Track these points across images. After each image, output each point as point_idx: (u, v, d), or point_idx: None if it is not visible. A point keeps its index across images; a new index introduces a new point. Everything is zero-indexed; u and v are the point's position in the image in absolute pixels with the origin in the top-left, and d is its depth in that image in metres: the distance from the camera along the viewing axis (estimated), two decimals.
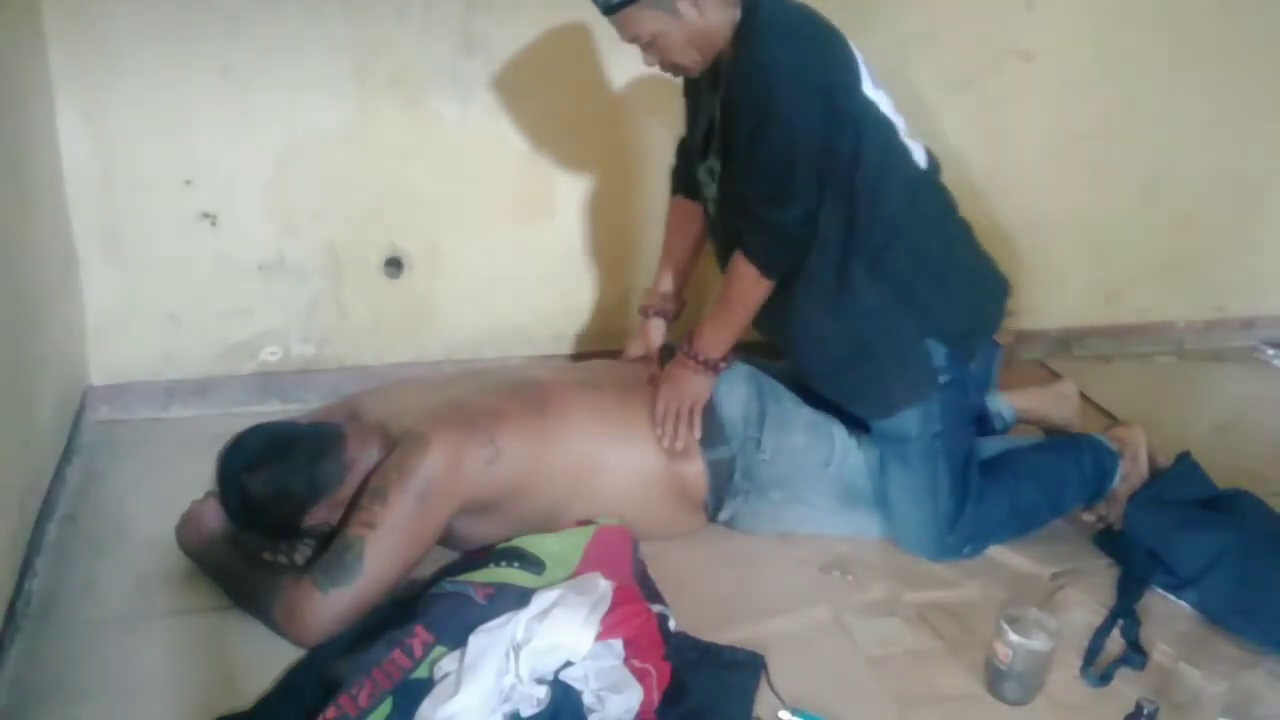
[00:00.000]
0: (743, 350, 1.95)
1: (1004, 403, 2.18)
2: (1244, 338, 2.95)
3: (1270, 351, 2.89)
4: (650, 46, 1.68)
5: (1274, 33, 2.66)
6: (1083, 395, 2.30)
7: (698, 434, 1.84)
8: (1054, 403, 2.22)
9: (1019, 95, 2.56)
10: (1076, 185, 2.70)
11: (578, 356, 2.41)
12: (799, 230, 1.75)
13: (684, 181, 2.03)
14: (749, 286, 1.80)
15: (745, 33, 1.68)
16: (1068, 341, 2.84)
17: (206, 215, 2.21)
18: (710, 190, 1.86)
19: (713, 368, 1.85)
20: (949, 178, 2.53)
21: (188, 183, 2.17)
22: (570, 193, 2.39)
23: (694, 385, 1.85)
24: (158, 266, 2.22)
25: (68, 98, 2.06)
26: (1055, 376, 2.57)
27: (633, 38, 1.68)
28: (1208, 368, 2.82)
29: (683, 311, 2.08)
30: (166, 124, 2.12)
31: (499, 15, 2.20)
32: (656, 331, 2.04)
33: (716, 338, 1.85)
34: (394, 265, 2.35)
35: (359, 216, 2.29)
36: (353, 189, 2.27)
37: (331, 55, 2.16)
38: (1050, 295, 2.78)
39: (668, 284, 2.06)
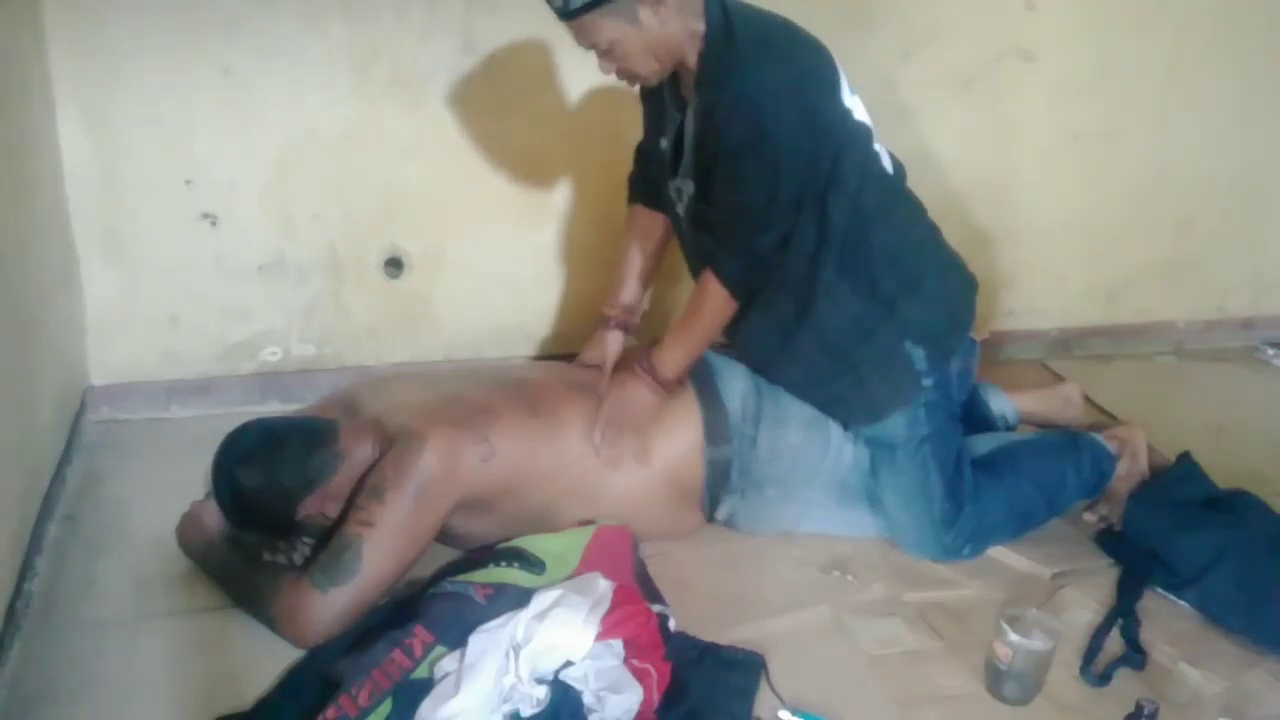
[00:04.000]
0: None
1: (1008, 405, 2.18)
2: (1244, 338, 2.95)
3: (1270, 351, 2.89)
4: (608, 54, 1.64)
5: (1274, 32, 2.66)
6: (1085, 397, 2.30)
7: (635, 450, 1.80)
8: (1058, 405, 2.22)
9: (1019, 95, 2.56)
10: (1077, 185, 2.70)
11: (576, 357, 2.41)
12: (772, 255, 1.75)
13: (643, 189, 2.00)
14: (718, 308, 1.79)
15: (723, 54, 1.64)
16: (1068, 341, 2.84)
17: (206, 215, 2.21)
18: (680, 209, 1.84)
19: (668, 387, 1.83)
20: (951, 177, 2.56)
21: (188, 183, 2.17)
22: (570, 193, 2.39)
23: (644, 403, 1.83)
24: (158, 266, 2.22)
25: (68, 98, 2.06)
26: (1057, 378, 2.58)
27: (590, 45, 1.64)
28: (1208, 368, 2.82)
29: (642, 323, 2.04)
30: (166, 124, 2.12)
31: (499, 15, 2.20)
32: (615, 344, 1.98)
33: (678, 358, 1.83)
34: (394, 265, 2.35)
35: (359, 216, 2.29)
36: (353, 189, 2.27)
37: (332, 56, 2.16)
38: (1050, 295, 2.79)
39: (630, 296, 2.02)
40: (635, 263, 2.03)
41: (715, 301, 1.78)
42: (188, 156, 2.16)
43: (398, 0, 2.15)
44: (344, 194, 2.27)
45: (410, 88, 2.22)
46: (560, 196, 2.39)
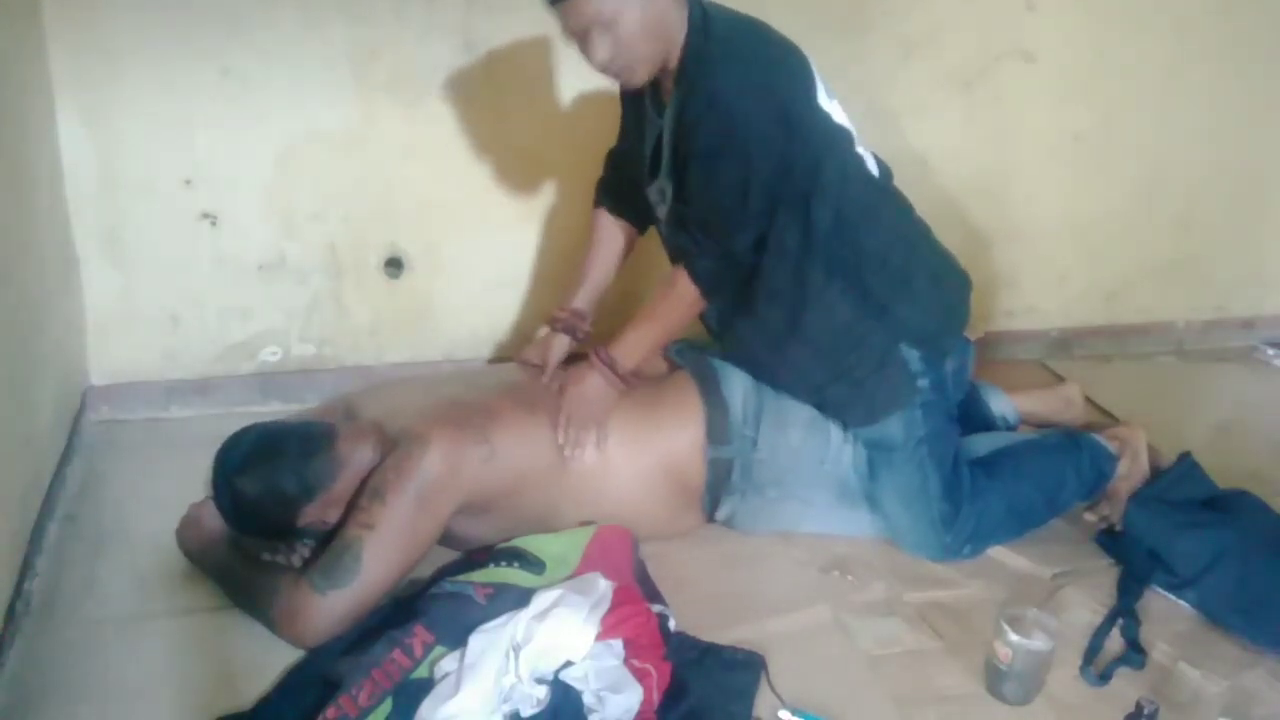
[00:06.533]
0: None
1: (1008, 405, 2.18)
2: (1244, 338, 2.95)
3: (1270, 351, 2.89)
4: (607, 30, 1.57)
5: (1274, 33, 2.66)
6: (1085, 398, 2.30)
7: (595, 448, 1.79)
8: (1058, 406, 2.23)
9: (1019, 95, 2.56)
10: (1076, 185, 2.70)
11: (576, 358, 2.42)
12: (747, 256, 1.75)
13: (610, 195, 2.00)
14: (686, 306, 1.79)
15: (700, 54, 1.63)
16: (1068, 341, 2.84)
17: (206, 215, 2.21)
18: (661, 211, 1.84)
19: (626, 380, 1.82)
20: (951, 177, 2.56)
21: (188, 183, 2.17)
22: (570, 192, 2.39)
23: (601, 397, 1.81)
24: (158, 266, 2.22)
25: (68, 98, 2.06)
26: (1057, 378, 2.58)
27: (591, 19, 1.55)
28: (1208, 368, 2.82)
29: (590, 333, 2.01)
30: (166, 124, 2.12)
31: (499, 15, 2.20)
32: (560, 348, 1.96)
33: (636, 349, 1.83)
34: (394, 265, 2.35)
35: (359, 216, 2.29)
36: (353, 189, 2.27)
37: (332, 55, 2.16)
38: (1050, 295, 2.79)
39: (583, 302, 2.00)
40: (592, 270, 2.02)
41: (684, 298, 1.78)
42: (188, 156, 2.16)
43: (397, 1, 2.15)
44: (344, 194, 2.27)
45: (410, 88, 2.22)
46: (560, 196, 2.39)
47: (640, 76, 1.68)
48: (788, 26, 1.77)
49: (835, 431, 1.90)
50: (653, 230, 1.98)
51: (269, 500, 1.64)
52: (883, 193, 1.85)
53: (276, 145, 2.19)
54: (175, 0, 2.05)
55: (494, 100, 2.27)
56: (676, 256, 1.85)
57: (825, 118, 1.73)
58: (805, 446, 1.89)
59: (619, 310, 2.22)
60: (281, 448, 1.66)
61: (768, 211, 1.71)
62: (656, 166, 1.80)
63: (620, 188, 1.98)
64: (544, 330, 2.04)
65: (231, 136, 2.16)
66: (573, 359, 1.96)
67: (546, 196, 2.38)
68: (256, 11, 2.09)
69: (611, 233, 2.01)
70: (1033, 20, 2.50)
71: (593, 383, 1.82)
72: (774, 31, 1.72)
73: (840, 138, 1.76)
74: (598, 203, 2.03)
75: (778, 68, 1.68)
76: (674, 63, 1.67)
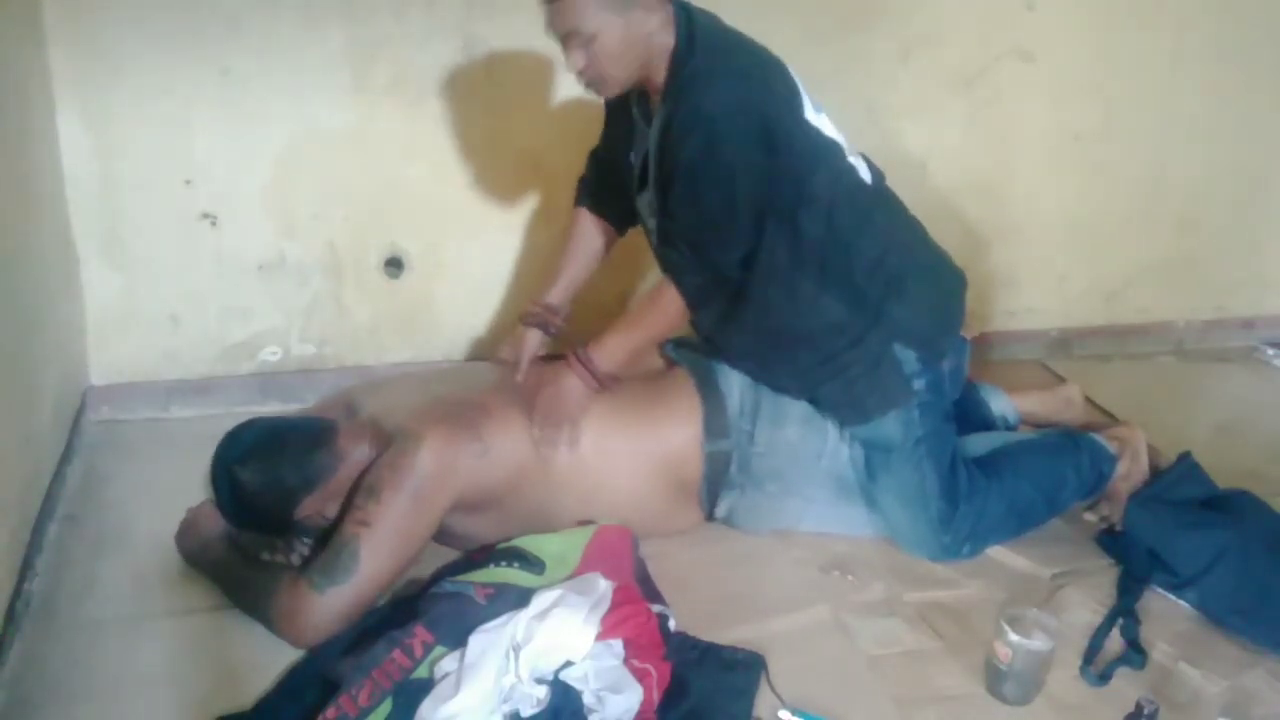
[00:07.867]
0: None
1: (1008, 405, 2.18)
2: (1244, 338, 2.95)
3: (1270, 351, 2.89)
4: (586, 45, 1.60)
5: (1274, 32, 2.66)
6: (1085, 398, 2.30)
7: (568, 444, 1.78)
8: (1059, 407, 2.23)
9: (1019, 95, 2.56)
10: (1077, 185, 2.70)
11: (557, 356, 2.42)
12: (735, 272, 1.75)
13: (590, 194, 2.00)
14: (671, 317, 1.79)
15: (685, 70, 1.63)
16: (1068, 341, 2.84)
17: (206, 215, 2.21)
18: (651, 223, 1.84)
19: (602, 381, 1.82)
20: (951, 177, 2.56)
21: (188, 183, 2.18)
22: (569, 192, 2.38)
23: (576, 398, 1.80)
24: (158, 266, 2.22)
25: (68, 98, 2.07)
26: (1057, 378, 2.58)
27: (572, 29, 1.60)
28: (1208, 368, 2.82)
29: (563, 329, 2.00)
30: (166, 124, 2.12)
31: (499, 16, 2.20)
32: (533, 343, 1.96)
33: (615, 352, 1.82)
34: (394, 265, 2.35)
35: (359, 216, 2.29)
36: (353, 189, 2.27)
37: (332, 56, 2.16)
38: (1050, 295, 2.79)
39: (557, 298, 2.00)
40: (569, 267, 2.02)
41: (671, 309, 1.78)
42: (188, 156, 2.16)
43: (397, 1, 2.15)
44: (344, 194, 2.27)
45: (410, 88, 2.22)
46: (560, 196, 2.37)
47: (611, 90, 1.70)
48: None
49: (832, 428, 1.90)
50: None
51: (268, 492, 1.64)
52: (875, 197, 1.85)
53: (276, 145, 2.20)
54: (176, 1, 2.05)
55: (494, 100, 2.27)
56: (665, 269, 1.85)
57: (813, 132, 1.73)
58: (803, 442, 1.89)
59: (614, 310, 2.23)
60: (283, 441, 1.67)
61: (755, 228, 1.71)
62: (645, 178, 1.80)
63: (601, 188, 1.98)
64: (520, 327, 2.04)
65: (231, 137, 2.16)
66: (553, 356, 1.96)
67: (546, 196, 2.38)
68: (256, 12, 2.09)
69: (590, 231, 2.01)
70: (1033, 20, 2.50)
71: (568, 382, 1.81)
72: (759, 47, 1.73)
73: (829, 150, 1.76)
74: (578, 201, 2.03)
75: (762, 84, 1.68)
76: (660, 76, 1.67)
